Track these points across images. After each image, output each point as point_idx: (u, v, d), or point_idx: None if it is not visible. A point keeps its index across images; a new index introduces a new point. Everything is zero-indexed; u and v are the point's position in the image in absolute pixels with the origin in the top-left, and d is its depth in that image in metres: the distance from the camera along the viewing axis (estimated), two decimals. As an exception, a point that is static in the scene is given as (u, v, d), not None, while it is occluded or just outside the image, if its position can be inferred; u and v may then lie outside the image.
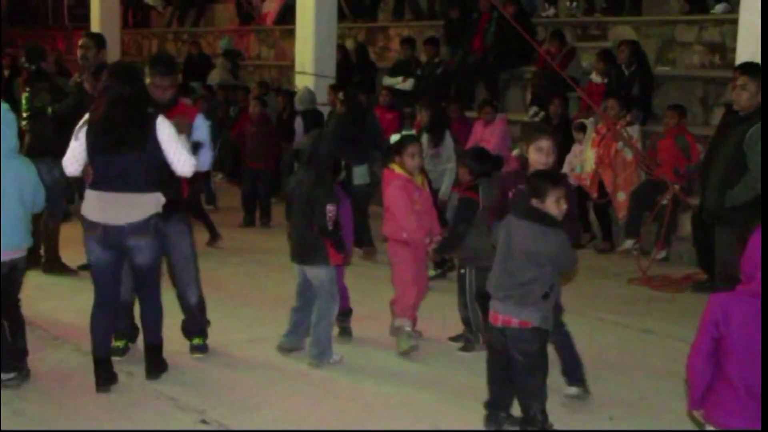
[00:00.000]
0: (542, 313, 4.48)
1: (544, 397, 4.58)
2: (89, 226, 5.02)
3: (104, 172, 4.95)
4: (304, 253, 5.56)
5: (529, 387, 4.56)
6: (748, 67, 5.87)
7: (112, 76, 5.08)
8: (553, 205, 4.44)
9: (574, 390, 5.05)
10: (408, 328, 5.87)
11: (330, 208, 5.43)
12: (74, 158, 5.03)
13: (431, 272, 7.48)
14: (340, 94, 8.90)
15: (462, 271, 5.77)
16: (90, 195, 5.03)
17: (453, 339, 5.93)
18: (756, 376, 3.28)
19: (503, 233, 4.55)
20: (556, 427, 4.74)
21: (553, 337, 4.90)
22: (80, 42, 7.66)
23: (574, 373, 5.07)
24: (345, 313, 6.03)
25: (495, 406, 4.71)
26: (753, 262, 3.31)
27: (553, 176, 4.61)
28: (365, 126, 8.53)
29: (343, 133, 7.99)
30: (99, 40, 7.74)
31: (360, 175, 8.28)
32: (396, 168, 5.81)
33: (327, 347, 5.60)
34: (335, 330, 5.88)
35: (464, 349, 5.82)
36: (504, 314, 4.50)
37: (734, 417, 3.38)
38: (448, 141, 8.35)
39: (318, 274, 5.55)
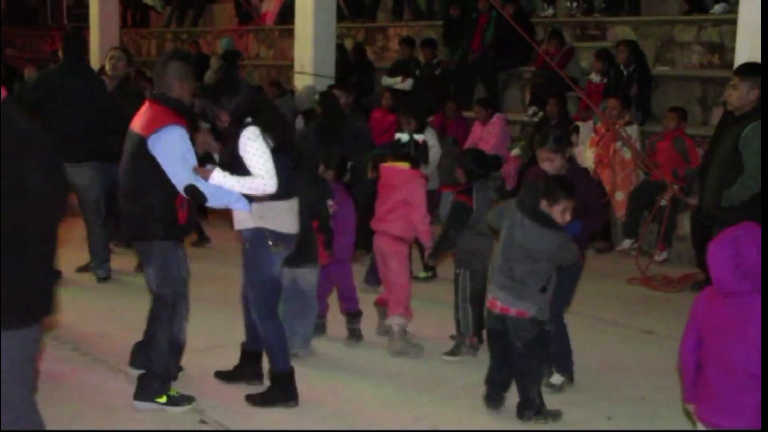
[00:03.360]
0: (539, 306, 4.72)
1: (540, 381, 4.86)
2: (283, 239, 4.81)
3: (288, 179, 4.76)
4: (296, 256, 5.52)
5: (527, 371, 4.79)
6: (741, 67, 5.90)
7: (245, 86, 4.86)
8: (559, 213, 4.64)
9: (558, 378, 5.15)
10: (407, 329, 5.90)
11: (330, 203, 5.55)
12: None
13: (422, 274, 7.52)
14: (316, 96, 8.84)
15: (457, 272, 5.78)
16: (280, 207, 4.75)
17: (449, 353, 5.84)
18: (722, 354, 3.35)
19: (507, 223, 4.75)
20: (555, 427, 4.76)
21: (551, 326, 5.06)
22: (111, 53, 7.94)
23: (563, 363, 5.19)
24: (354, 315, 6.05)
25: (496, 385, 4.94)
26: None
27: (569, 187, 4.72)
28: (346, 127, 8.47)
29: (322, 135, 7.94)
30: (129, 55, 8.16)
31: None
32: (407, 165, 5.88)
33: (309, 338, 5.70)
34: (345, 332, 5.99)
35: (450, 353, 5.76)
36: (503, 303, 4.74)
37: (716, 413, 3.43)
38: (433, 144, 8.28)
39: (309, 275, 5.57)
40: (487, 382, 4.97)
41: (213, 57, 14.91)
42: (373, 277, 6.94)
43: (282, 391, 4.90)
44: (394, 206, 5.84)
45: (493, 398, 4.94)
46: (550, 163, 5.00)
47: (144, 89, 8.05)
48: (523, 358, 4.77)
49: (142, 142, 4.63)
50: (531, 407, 4.75)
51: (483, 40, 11.76)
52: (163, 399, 4.84)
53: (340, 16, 12.92)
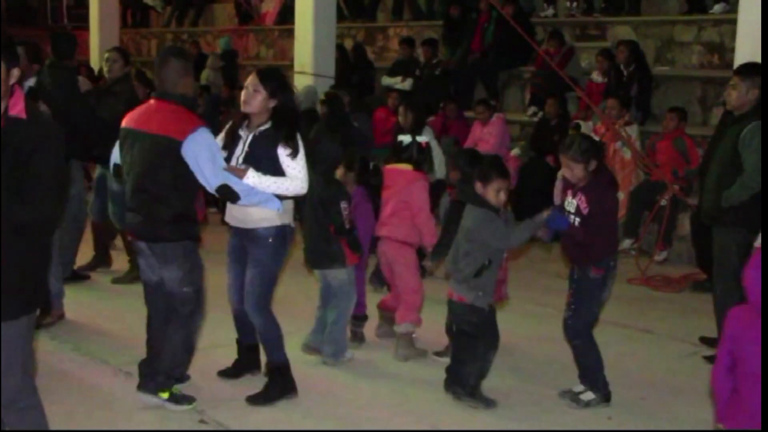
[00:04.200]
0: (475, 292, 4.84)
1: (484, 366, 4.93)
2: (293, 235, 5.02)
3: None
4: (319, 257, 5.54)
5: (467, 352, 4.95)
6: (740, 67, 5.91)
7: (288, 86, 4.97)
8: (493, 193, 4.83)
9: (589, 395, 5.02)
10: (414, 335, 5.86)
11: (344, 206, 5.45)
12: None
13: None
14: (321, 96, 8.84)
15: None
16: (290, 205, 4.90)
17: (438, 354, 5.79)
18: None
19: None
20: (554, 426, 4.76)
21: (576, 341, 5.05)
22: (106, 55, 7.77)
23: (591, 380, 5.05)
24: (360, 319, 6.03)
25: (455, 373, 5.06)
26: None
27: (502, 168, 4.97)
28: (348, 128, 8.47)
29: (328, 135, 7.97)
30: (126, 55, 7.85)
31: None
32: (409, 166, 5.89)
33: (343, 346, 5.66)
34: (348, 333, 5.94)
35: (438, 353, 5.74)
36: (450, 288, 4.99)
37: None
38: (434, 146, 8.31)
39: (338, 274, 5.55)
40: (447, 370, 5.11)
41: (210, 56, 14.92)
42: (377, 278, 6.94)
43: (282, 385, 4.96)
44: (396, 209, 5.76)
45: (450, 384, 5.09)
46: (569, 171, 4.89)
47: (127, 91, 7.77)
48: (464, 339, 4.97)
49: (174, 145, 4.54)
50: (464, 387, 4.90)
51: (483, 40, 11.76)
52: (166, 395, 4.85)
53: (340, 16, 12.93)
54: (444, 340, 5.75)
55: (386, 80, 12.28)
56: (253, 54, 16.13)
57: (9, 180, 3.27)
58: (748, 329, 3.28)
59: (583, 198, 4.89)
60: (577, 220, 4.91)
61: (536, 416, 4.90)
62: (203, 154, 4.56)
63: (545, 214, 4.85)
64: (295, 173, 4.73)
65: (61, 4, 22.06)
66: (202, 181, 4.62)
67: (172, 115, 4.63)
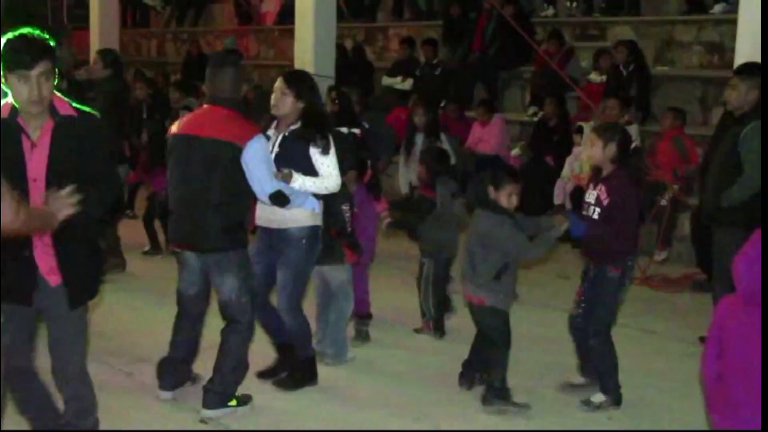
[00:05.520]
0: (496, 295, 4.84)
1: (504, 367, 4.92)
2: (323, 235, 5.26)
3: None
4: (320, 254, 5.54)
5: (490, 357, 4.95)
6: (740, 68, 5.92)
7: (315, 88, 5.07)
8: (505, 197, 4.84)
9: (600, 398, 5.01)
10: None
11: (345, 208, 5.45)
12: None
13: None
14: (333, 94, 8.82)
15: (422, 261, 6.13)
16: (320, 206, 5.10)
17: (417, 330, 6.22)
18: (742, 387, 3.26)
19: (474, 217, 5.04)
20: (554, 427, 4.76)
21: (593, 341, 5.00)
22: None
23: (604, 382, 5.05)
24: (364, 317, 6.06)
25: (470, 368, 5.16)
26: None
27: (513, 172, 5.07)
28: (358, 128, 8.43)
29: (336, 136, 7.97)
30: (108, 56, 7.88)
31: None
32: None
33: (344, 346, 5.68)
34: (351, 332, 5.97)
35: (417, 330, 6.20)
36: (467, 292, 4.97)
37: (734, 422, 3.36)
38: (444, 140, 8.30)
39: (338, 274, 5.55)
40: (463, 365, 5.18)
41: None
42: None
43: (309, 374, 5.19)
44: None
45: (465, 377, 5.18)
46: (591, 148, 4.98)
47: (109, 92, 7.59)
48: (487, 344, 4.98)
49: (235, 151, 4.50)
50: (492, 393, 4.88)
51: (483, 39, 11.75)
52: (234, 402, 4.81)
53: (340, 16, 12.92)
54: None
55: (386, 80, 12.27)
56: (254, 54, 16.13)
57: (79, 172, 3.59)
58: (732, 318, 3.31)
59: (603, 188, 4.85)
60: (597, 210, 4.86)
61: (536, 416, 4.90)
62: (261, 161, 4.56)
63: (562, 226, 4.81)
64: (329, 171, 4.91)
65: (61, 4, 22.04)
66: (255, 188, 4.59)
67: (231, 121, 4.58)
